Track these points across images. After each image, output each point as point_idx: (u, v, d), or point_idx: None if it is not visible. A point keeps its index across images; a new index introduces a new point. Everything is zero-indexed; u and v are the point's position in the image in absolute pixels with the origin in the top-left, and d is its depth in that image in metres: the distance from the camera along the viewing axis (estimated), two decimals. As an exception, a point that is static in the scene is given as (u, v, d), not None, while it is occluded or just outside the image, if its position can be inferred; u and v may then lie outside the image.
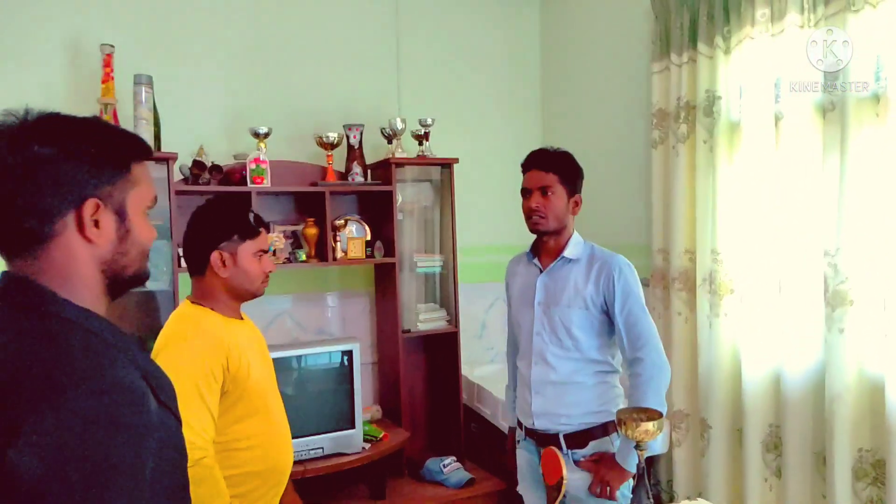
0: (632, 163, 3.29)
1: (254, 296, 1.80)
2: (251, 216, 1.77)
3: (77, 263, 0.89)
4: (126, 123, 2.74)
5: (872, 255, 2.19)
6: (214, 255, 1.71)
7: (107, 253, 0.92)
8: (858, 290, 2.21)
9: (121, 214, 0.93)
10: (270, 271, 1.80)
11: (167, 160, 2.74)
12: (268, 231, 1.85)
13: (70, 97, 2.88)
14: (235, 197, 1.81)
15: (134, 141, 0.97)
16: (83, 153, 0.88)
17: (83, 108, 2.84)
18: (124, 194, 0.93)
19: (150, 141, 2.72)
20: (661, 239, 3.01)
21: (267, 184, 2.93)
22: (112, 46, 2.74)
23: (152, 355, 1.65)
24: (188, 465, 1.51)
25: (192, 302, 1.76)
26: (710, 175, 2.74)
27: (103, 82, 2.72)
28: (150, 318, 2.86)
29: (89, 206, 0.88)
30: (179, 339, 1.66)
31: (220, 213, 1.77)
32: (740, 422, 2.64)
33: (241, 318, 1.82)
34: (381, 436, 3.02)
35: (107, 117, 2.71)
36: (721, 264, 2.70)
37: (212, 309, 1.73)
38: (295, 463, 2.72)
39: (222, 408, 1.65)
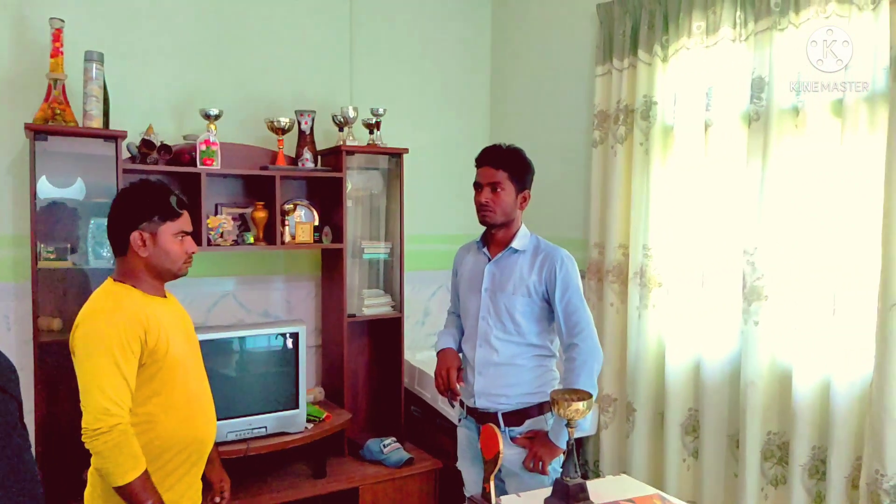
0: (573, 161, 3.44)
1: (175, 276, 1.85)
2: (173, 199, 1.82)
3: None
4: (75, 99, 2.72)
5: (786, 254, 2.40)
6: (134, 235, 1.77)
7: None
8: (772, 287, 2.42)
9: None
10: (192, 252, 1.86)
11: (116, 138, 2.72)
12: (189, 213, 1.89)
13: (17, 70, 2.82)
14: (158, 182, 1.87)
15: None
16: None
17: (31, 81, 2.80)
18: None
19: (100, 116, 2.71)
20: (598, 234, 3.18)
21: (217, 166, 2.94)
22: (62, 21, 2.69)
23: (72, 328, 1.72)
24: (103, 430, 1.56)
25: (115, 280, 1.81)
26: (644, 175, 2.91)
27: (52, 57, 2.67)
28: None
29: None
30: (98, 312, 1.72)
31: (141, 194, 1.82)
32: (663, 406, 2.84)
33: (164, 297, 1.88)
34: (323, 416, 3.10)
35: (55, 93, 2.68)
36: (651, 259, 2.88)
37: (133, 286, 1.79)
38: (238, 441, 2.82)
39: (140, 380, 1.72)
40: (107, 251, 2.78)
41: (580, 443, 3.21)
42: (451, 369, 2.16)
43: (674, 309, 2.79)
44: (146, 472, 1.66)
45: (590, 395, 1.79)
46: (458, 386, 2.14)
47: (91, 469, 1.74)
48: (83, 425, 1.64)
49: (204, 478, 1.94)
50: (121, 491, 1.63)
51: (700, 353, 2.70)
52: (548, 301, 2.13)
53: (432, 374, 3.33)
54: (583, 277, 2.52)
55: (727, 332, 2.62)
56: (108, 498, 1.69)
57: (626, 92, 3.00)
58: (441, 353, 2.24)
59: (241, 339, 2.97)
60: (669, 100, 2.84)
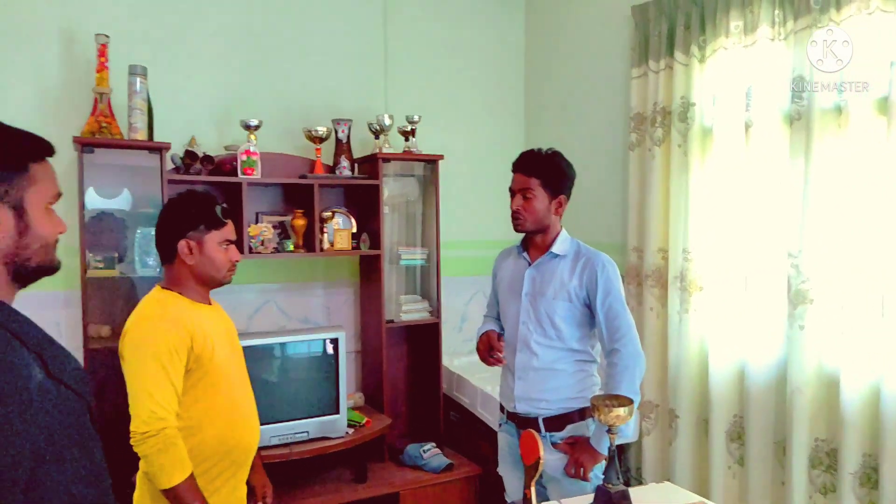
0: (610, 164, 3.41)
1: (220, 283, 1.90)
2: (218, 209, 1.88)
3: None
4: (120, 113, 2.80)
5: (832, 257, 2.34)
6: (181, 244, 1.82)
7: (8, 247, 1.00)
8: (818, 290, 2.36)
9: (19, 211, 1.00)
10: (236, 261, 1.91)
11: (160, 150, 2.80)
12: (233, 224, 1.94)
13: (65, 86, 2.92)
14: (204, 192, 1.94)
15: (32, 141, 1.04)
16: None
17: (78, 96, 2.90)
18: (22, 192, 1.00)
19: (145, 129, 2.79)
20: (636, 238, 3.14)
21: (257, 175, 3.00)
22: (107, 36, 2.78)
23: (121, 335, 1.77)
24: (151, 434, 1.60)
25: (163, 287, 1.87)
26: (683, 178, 2.87)
27: (98, 72, 2.77)
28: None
29: None
30: (146, 319, 1.77)
31: (188, 204, 1.87)
32: (706, 412, 2.79)
33: (210, 304, 1.92)
34: (363, 421, 3.12)
35: (101, 106, 2.76)
36: (692, 262, 2.84)
37: (180, 294, 1.84)
38: (280, 446, 2.85)
39: (185, 386, 1.76)
40: (152, 260, 2.85)
41: (622, 449, 3.18)
42: (492, 334, 2.19)
43: (716, 313, 2.75)
44: (192, 475, 1.69)
45: (631, 401, 1.78)
46: (500, 345, 2.15)
47: (140, 473, 1.78)
48: (132, 429, 1.68)
49: (247, 482, 1.97)
50: (168, 494, 1.67)
51: (744, 358, 2.65)
52: (589, 306, 2.12)
53: (470, 380, 3.37)
54: (622, 282, 2.50)
55: (772, 337, 2.56)
56: (157, 501, 1.73)
57: (663, 94, 2.97)
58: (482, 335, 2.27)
59: (283, 345, 3.01)
60: (708, 101, 2.80)
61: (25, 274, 1.04)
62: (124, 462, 1.77)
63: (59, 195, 1.09)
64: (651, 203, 3.02)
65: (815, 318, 2.37)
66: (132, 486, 1.85)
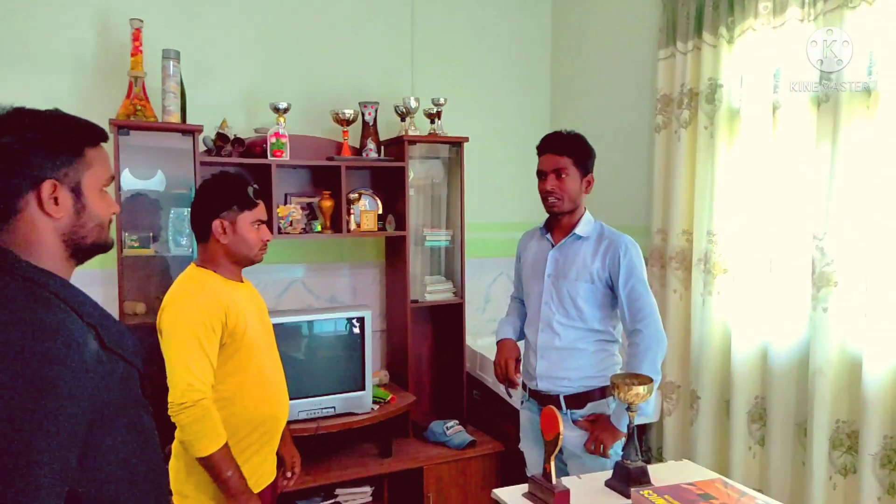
0: (635, 146, 3.41)
1: (252, 261, 1.98)
2: (250, 190, 1.95)
3: (39, 234, 1.06)
4: (154, 96, 2.87)
5: (857, 239, 2.33)
6: (216, 224, 1.89)
7: (66, 225, 1.08)
8: (842, 273, 2.36)
9: (77, 192, 1.08)
10: (267, 240, 1.98)
11: (192, 132, 2.87)
12: (264, 204, 2.02)
13: (100, 69, 3.00)
14: (237, 173, 2.01)
15: (88, 128, 1.13)
16: (40, 141, 1.05)
17: (113, 80, 2.97)
18: (79, 175, 1.08)
19: (178, 112, 2.86)
20: (661, 220, 3.15)
21: (286, 157, 3.06)
22: (141, 21, 2.85)
23: (159, 310, 1.86)
24: (187, 405, 1.69)
25: (198, 265, 1.94)
26: (709, 160, 2.87)
27: (132, 56, 2.84)
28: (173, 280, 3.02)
29: (47, 186, 1.05)
30: (183, 296, 1.85)
31: (221, 186, 1.94)
32: (728, 393, 2.80)
33: (242, 282, 2.00)
34: (388, 398, 3.20)
35: (136, 90, 2.84)
36: (716, 245, 2.84)
37: (214, 272, 1.91)
38: (308, 420, 2.94)
39: (220, 360, 1.84)
40: (185, 239, 2.94)
41: (643, 429, 3.21)
42: (510, 360, 2.22)
43: (740, 295, 2.75)
44: (226, 444, 1.77)
45: (650, 380, 1.82)
46: (516, 377, 2.20)
47: (175, 442, 1.87)
48: (169, 400, 1.76)
49: (276, 454, 2.05)
50: (203, 462, 1.75)
51: (767, 340, 2.65)
52: (611, 288, 2.15)
53: (493, 360, 3.41)
54: (646, 264, 2.51)
55: (795, 319, 2.56)
56: (192, 469, 1.82)
57: (691, 75, 2.96)
58: (500, 344, 2.30)
59: (310, 323, 3.09)
60: (735, 82, 2.78)
61: (81, 251, 1.11)
62: (160, 432, 1.85)
63: (112, 178, 1.16)
64: (676, 185, 3.02)
65: (839, 300, 2.37)
66: (168, 455, 1.94)
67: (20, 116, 1.05)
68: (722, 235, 2.83)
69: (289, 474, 2.10)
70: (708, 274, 2.86)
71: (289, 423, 2.13)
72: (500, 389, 3.30)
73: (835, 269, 2.37)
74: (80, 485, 0.99)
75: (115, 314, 2.83)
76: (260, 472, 1.94)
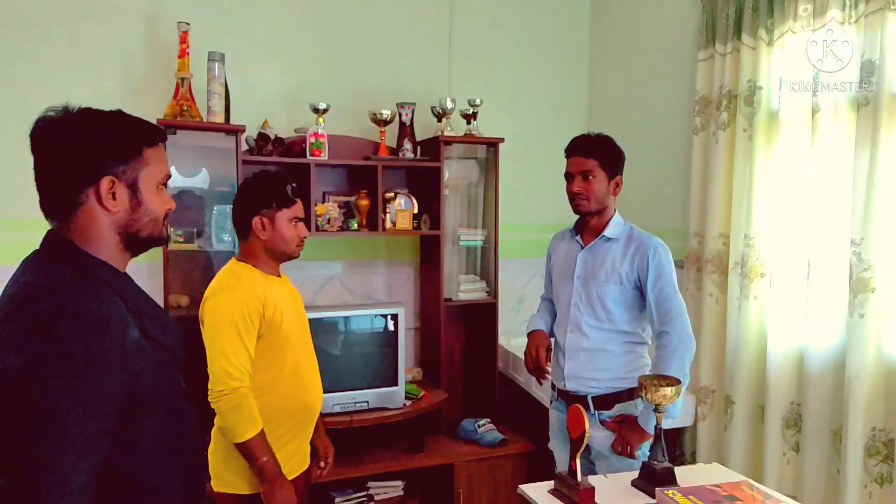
0: (673, 148, 3.39)
1: (289, 257, 2.05)
2: (289, 188, 2.01)
3: (97, 226, 1.13)
4: (200, 97, 2.98)
5: (895, 245, 2.29)
6: (255, 220, 1.96)
7: (122, 219, 1.15)
8: (880, 278, 2.32)
9: (133, 189, 1.15)
10: (305, 237, 2.05)
11: (236, 132, 2.96)
12: (302, 202, 2.08)
13: (148, 70, 3.12)
14: (277, 172, 2.09)
15: (148, 129, 1.19)
16: (101, 140, 1.12)
17: (161, 80, 3.09)
18: (137, 173, 1.15)
19: (222, 112, 2.95)
20: (698, 223, 3.13)
21: (325, 157, 3.13)
22: (188, 24, 2.96)
23: (201, 302, 1.94)
24: (226, 392, 1.75)
25: (238, 260, 2.02)
26: (747, 162, 2.85)
27: (179, 57, 2.95)
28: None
29: (105, 182, 1.12)
30: (224, 288, 1.93)
31: (261, 184, 2.02)
32: (763, 398, 2.78)
33: (280, 277, 2.07)
34: (421, 395, 3.24)
35: (183, 90, 2.94)
36: (753, 249, 2.81)
37: (253, 266, 1.98)
38: (342, 413, 3.00)
39: (257, 351, 1.91)
40: (227, 235, 3.03)
41: (677, 433, 3.19)
42: (541, 348, 2.24)
43: (776, 300, 2.72)
44: (262, 431, 1.84)
45: (678, 382, 1.82)
46: (546, 365, 2.21)
47: (214, 429, 1.94)
48: (209, 387, 1.84)
49: (311, 444, 2.11)
50: (240, 447, 1.82)
51: (803, 345, 2.62)
52: (640, 289, 2.16)
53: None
54: (681, 267, 2.50)
55: (831, 325, 2.53)
56: (229, 454, 1.89)
57: (730, 77, 2.93)
58: (532, 334, 2.32)
59: (346, 318, 3.16)
60: (775, 85, 2.75)
61: (136, 243, 1.19)
62: (200, 419, 1.93)
63: (168, 175, 1.24)
64: (714, 188, 2.99)
65: (876, 306, 2.33)
66: (207, 442, 2.02)
67: (85, 116, 1.13)
68: (760, 239, 2.80)
69: (322, 464, 2.17)
70: (744, 278, 2.84)
71: (323, 415, 2.19)
72: (532, 389, 3.32)
73: (872, 275, 2.33)
74: (115, 457, 1.06)
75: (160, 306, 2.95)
76: (294, 459, 2.01)
